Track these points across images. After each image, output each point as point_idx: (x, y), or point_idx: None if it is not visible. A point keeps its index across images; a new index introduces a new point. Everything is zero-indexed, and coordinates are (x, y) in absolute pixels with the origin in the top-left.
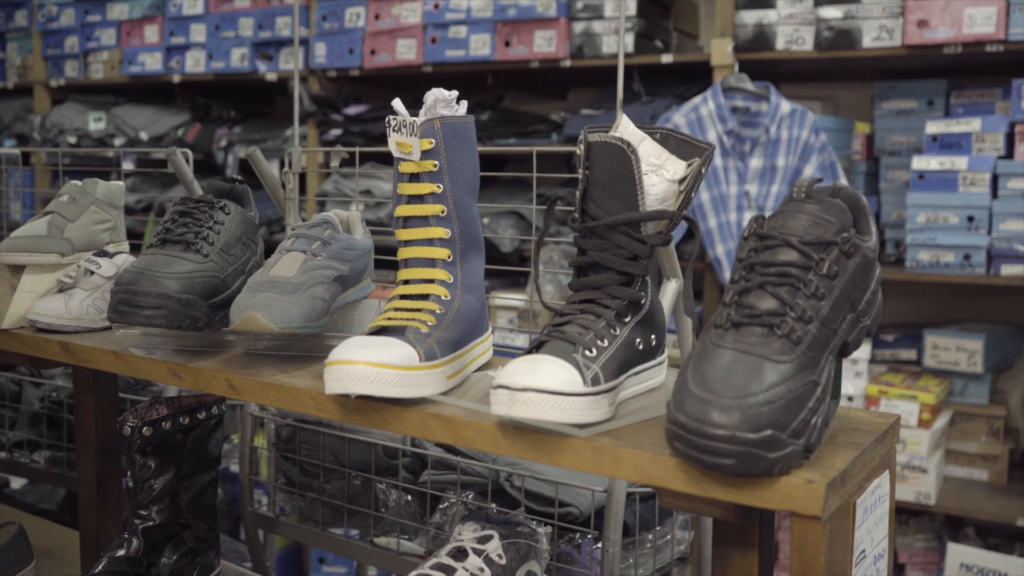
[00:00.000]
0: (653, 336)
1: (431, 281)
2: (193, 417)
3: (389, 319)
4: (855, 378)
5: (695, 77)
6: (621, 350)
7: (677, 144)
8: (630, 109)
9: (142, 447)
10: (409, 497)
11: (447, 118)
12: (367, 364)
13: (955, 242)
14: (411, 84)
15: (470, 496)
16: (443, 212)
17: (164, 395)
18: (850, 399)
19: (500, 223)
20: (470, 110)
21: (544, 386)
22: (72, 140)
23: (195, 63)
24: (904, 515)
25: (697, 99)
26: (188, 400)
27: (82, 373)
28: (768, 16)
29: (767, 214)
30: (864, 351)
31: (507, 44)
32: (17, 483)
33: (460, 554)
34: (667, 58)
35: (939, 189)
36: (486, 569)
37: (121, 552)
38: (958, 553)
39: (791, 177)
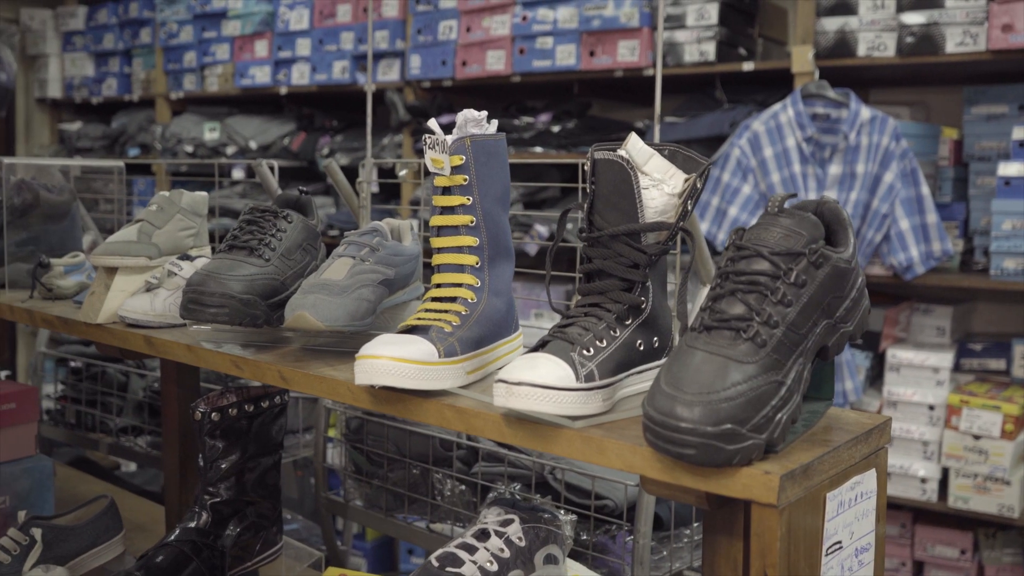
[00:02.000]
0: (656, 338)
1: (459, 285)
2: (257, 405)
3: (419, 319)
4: (936, 387)
5: (779, 84)
6: (620, 350)
7: (684, 160)
8: (712, 116)
9: (211, 430)
10: (463, 487)
11: (477, 136)
12: (390, 359)
13: None
14: (500, 93)
15: (517, 487)
16: (472, 222)
17: (248, 386)
18: (931, 408)
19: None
20: (557, 118)
21: (538, 381)
22: (189, 149)
23: (300, 75)
24: (991, 528)
25: (777, 106)
26: (255, 390)
27: (168, 365)
28: (850, 23)
29: None
30: (947, 360)
31: (592, 54)
32: (129, 467)
33: (483, 535)
34: (748, 66)
35: None
36: (506, 550)
37: (192, 524)
38: None
39: (870, 184)
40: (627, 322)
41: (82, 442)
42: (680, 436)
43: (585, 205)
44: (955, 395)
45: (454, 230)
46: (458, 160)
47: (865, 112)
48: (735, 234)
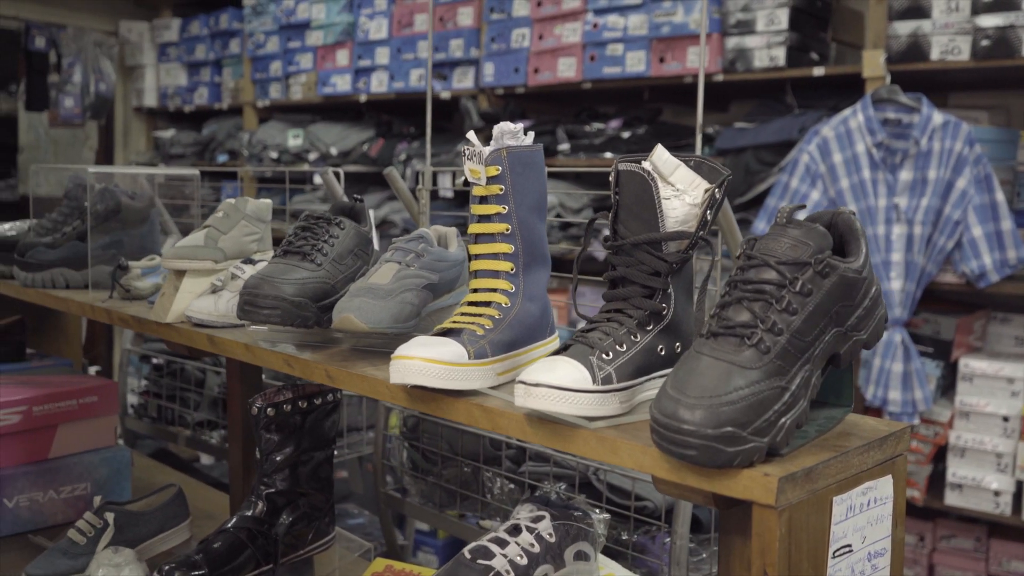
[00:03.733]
0: (678, 344)
1: (494, 290)
2: (311, 402)
3: (454, 322)
4: (1011, 398)
5: (852, 89)
6: (640, 355)
7: (709, 171)
8: (782, 121)
9: (266, 424)
10: (512, 485)
11: (513, 148)
12: (422, 359)
13: None
14: (572, 100)
15: (563, 487)
16: (508, 230)
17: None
18: (1005, 419)
19: None
20: (627, 124)
21: (554, 382)
22: (274, 155)
23: (379, 83)
24: None
25: (847, 111)
26: (310, 387)
27: (233, 363)
28: (923, 27)
29: (917, 228)
30: (1022, 370)
31: (661, 60)
32: (209, 459)
33: (515, 530)
34: (819, 71)
35: None
36: (536, 545)
37: (248, 512)
38: None
39: (943, 190)
40: (648, 328)
41: (163, 435)
42: (682, 438)
43: (610, 215)
44: None
45: (490, 237)
46: (494, 171)
47: (937, 117)
48: (746, 244)
